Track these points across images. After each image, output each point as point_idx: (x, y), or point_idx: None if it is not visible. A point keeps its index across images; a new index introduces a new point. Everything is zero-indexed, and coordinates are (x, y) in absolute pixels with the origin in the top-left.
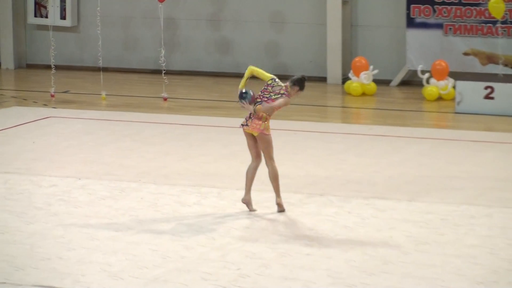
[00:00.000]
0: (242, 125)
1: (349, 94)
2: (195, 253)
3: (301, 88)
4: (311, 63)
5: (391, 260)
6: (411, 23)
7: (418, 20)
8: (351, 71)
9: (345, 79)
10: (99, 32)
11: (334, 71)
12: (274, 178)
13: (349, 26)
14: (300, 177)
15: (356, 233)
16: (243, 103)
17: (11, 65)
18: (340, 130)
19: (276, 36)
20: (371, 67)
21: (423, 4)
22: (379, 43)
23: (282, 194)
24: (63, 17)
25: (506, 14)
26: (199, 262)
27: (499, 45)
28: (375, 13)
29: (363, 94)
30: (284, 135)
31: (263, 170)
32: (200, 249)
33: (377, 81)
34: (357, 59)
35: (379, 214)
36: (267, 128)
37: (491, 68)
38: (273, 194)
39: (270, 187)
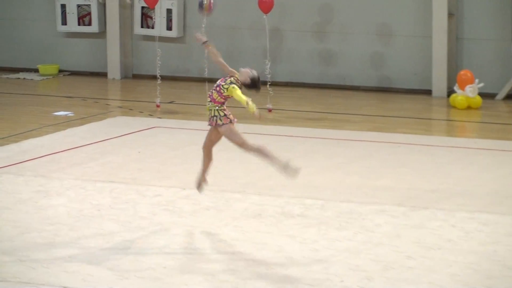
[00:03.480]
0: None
1: (454, 107)
2: (298, 264)
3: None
4: (416, 76)
5: (495, 275)
6: None
7: None
8: (456, 84)
9: (450, 92)
10: None
11: (439, 84)
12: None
13: (455, 39)
14: (404, 190)
15: (459, 247)
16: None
17: (117, 75)
18: (444, 143)
19: (381, 48)
20: (477, 80)
21: None
22: (485, 56)
23: (386, 206)
24: (169, 28)
25: None
26: (302, 274)
27: None
28: (481, 26)
29: (468, 107)
30: (388, 148)
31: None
32: (303, 261)
33: (482, 95)
34: (462, 72)
35: (483, 228)
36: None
37: None
38: (381, 207)
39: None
